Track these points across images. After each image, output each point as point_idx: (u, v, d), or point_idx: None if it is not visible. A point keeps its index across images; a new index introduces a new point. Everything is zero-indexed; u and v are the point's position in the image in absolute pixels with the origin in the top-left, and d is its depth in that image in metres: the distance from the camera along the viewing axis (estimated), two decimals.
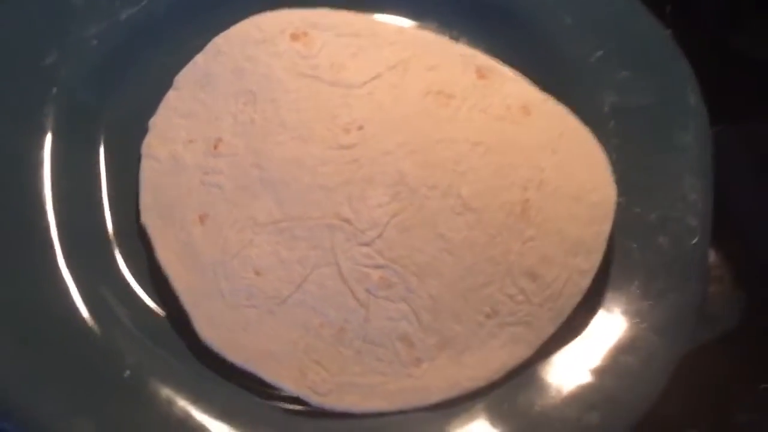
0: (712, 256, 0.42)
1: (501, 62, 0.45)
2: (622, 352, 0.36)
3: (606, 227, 0.37)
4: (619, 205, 0.39)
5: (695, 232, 0.38)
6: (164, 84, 0.42)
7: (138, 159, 0.40)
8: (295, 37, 0.44)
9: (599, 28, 0.45)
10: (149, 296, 0.37)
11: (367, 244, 0.37)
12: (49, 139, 0.39)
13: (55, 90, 0.40)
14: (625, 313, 0.37)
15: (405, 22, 0.47)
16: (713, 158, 0.40)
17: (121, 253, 0.38)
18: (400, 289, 0.36)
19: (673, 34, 0.49)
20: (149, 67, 0.43)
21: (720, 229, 0.40)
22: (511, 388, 0.35)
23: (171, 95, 0.42)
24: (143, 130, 0.41)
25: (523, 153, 0.40)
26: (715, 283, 0.42)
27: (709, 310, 0.41)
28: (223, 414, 0.34)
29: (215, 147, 0.40)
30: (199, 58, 0.43)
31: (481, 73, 0.44)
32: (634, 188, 0.40)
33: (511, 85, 0.43)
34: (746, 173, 0.45)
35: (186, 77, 0.42)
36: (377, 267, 0.36)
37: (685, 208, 0.39)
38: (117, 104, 0.42)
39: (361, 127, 0.40)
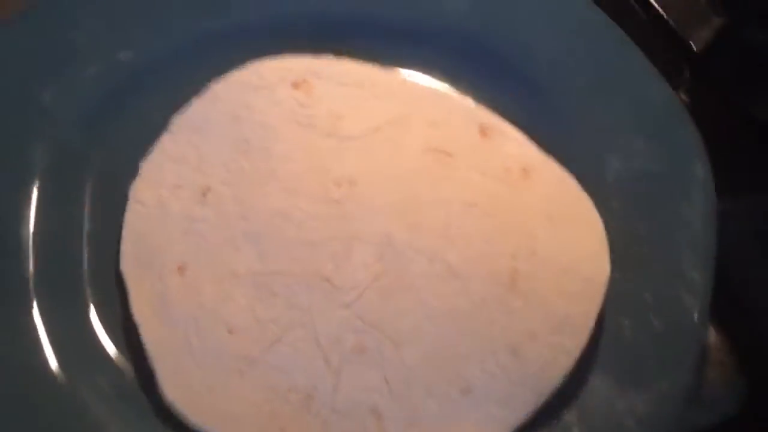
0: (713, 338, 0.40)
1: (506, 120, 0.44)
2: None
3: (595, 306, 0.36)
4: (613, 279, 0.37)
5: (692, 314, 0.36)
6: (160, 127, 0.42)
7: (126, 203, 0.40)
8: (295, 85, 0.43)
9: (610, 90, 0.44)
10: (120, 348, 0.36)
11: (346, 306, 0.36)
12: (36, 178, 0.39)
13: (47, 129, 0.40)
14: (610, 399, 0.35)
15: (410, 74, 0.46)
16: (718, 233, 0.38)
17: (97, 301, 0.37)
18: (375, 356, 0.35)
19: (690, 99, 0.48)
20: (146, 109, 0.42)
21: (722, 309, 0.38)
22: None
23: (164, 138, 0.41)
24: (135, 173, 0.40)
25: (517, 218, 0.39)
26: (716, 367, 0.40)
27: (709, 395, 0.39)
28: None
29: (203, 195, 0.39)
30: (196, 103, 0.42)
31: (483, 131, 0.42)
32: (630, 262, 0.38)
33: (513, 146, 0.42)
34: (753, 250, 0.43)
35: (182, 121, 0.42)
36: (354, 331, 0.35)
37: (683, 287, 0.37)
38: (110, 145, 0.41)
39: (352, 183, 0.39)
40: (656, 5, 0.51)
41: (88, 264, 0.38)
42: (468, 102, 0.44)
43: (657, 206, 0.40)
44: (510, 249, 0.37)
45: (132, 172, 0.40)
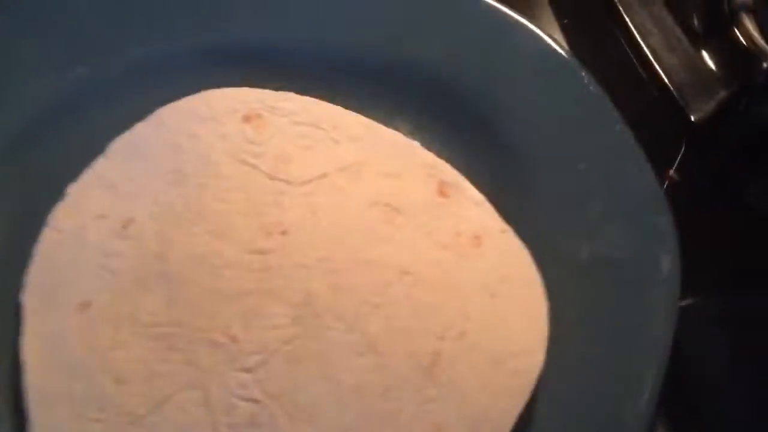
0: None
1: (470, 180, 0.40)
2: None
3: (518, 405, 0.32)
4: (548, 375, 0.33)
5: (633, 425, 0.32)
6: (99, 150, 0.40)
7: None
8: (246, 118, 0.40)
9: (588, 164, 0.40)
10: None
11: (247, 371, 0.33)
12: None
13: None
14: None
15: (375, 119, 0.43)
16: (674, 336, 0.34)
17: None
18: (268, 431, 0.32)
19: (681, 176, 0.44)
20: (87, 129, 0.40)
21: (680, 423, 0.34)
22: None
23: (98, 162, 0.39)
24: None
25: (454, 293, 0.35)
26: None
27: None
28: None
29: (124, 227, 0.37)
30: (138, 127, 0.40)
31: (442, 190, 0.39)
32: (572, 355, 0.34)
33: (471, 209, 0.39)
34: (720, 359, 0.38)
35: (120, 145, 0.39)
36: (249, 400, 0.32)
37: (628, 392, 0.33)
38: (40, 164, 0.39)
39: (284, 232, 0.37)
40: (658, 69, 0.47)
41: None
42: (431, 157, 0.41)
43: (614, 297, 0.36)
44: (438, 327, 0.34)
45: (58, 195, 0.38)
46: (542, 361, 0.33)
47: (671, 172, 0.44)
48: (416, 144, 0.41)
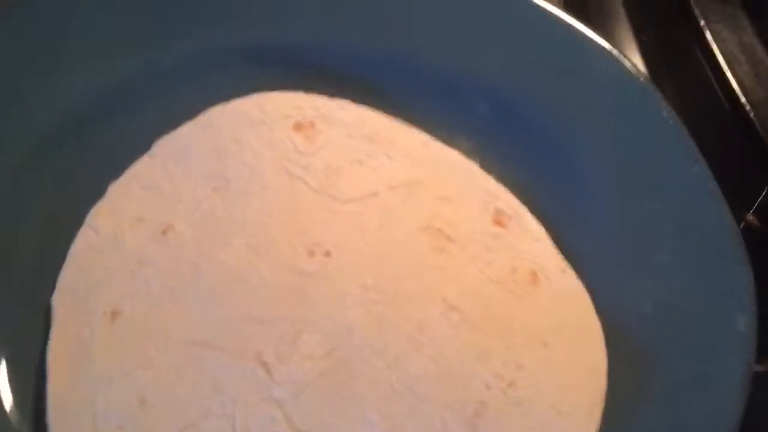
0: None
1: (530, 209, 0.38)
2: None
3: None
4: None
5: None
6: (145, 147, 0.38)
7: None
8: (298, 126, 0.38)
9: (661, 201, 0.37)
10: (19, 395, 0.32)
11: (277, 403, 0.31)
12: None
13: (24, 124, 0.37)
14: None
15: (435, 134, 0.40)
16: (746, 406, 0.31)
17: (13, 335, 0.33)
18: None
19: (763, 223, 0.40)
20: (135, 125, 0.38)
21: None
22: None
23: (142, 161, 0.37)
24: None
25: (505, 337, 0.33)
26: None
27: None
28: None
29: (163, 233, 0.35)
30: (186, 127, 0.38)
31: (498, 219, 0.37)
32: (629, 422, 0.31)
33: (529, 243, 0.36)
34: None
35: (166, 144, 0.38)
36: None
37: None
38: (83, 158, 0.37)
39: (328, 253, 0.34)
40: (744, 101, 0.43)
41: (21, 289, 0.34)
42: (490, 182, 0.38)
43: (679, 356, 0.33)
44: (485, 375, 0.31)
45: (99, 193, 0.36)
46: (596, 427, 0.30)
47: (750, 215, 0.41)
48: (476, 166, 0.39)
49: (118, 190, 0.36)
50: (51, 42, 0.38)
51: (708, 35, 0.45)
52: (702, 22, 0.46)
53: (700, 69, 0.45)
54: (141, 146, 0.38)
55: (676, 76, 0.45)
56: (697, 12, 0.45)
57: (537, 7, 0.41)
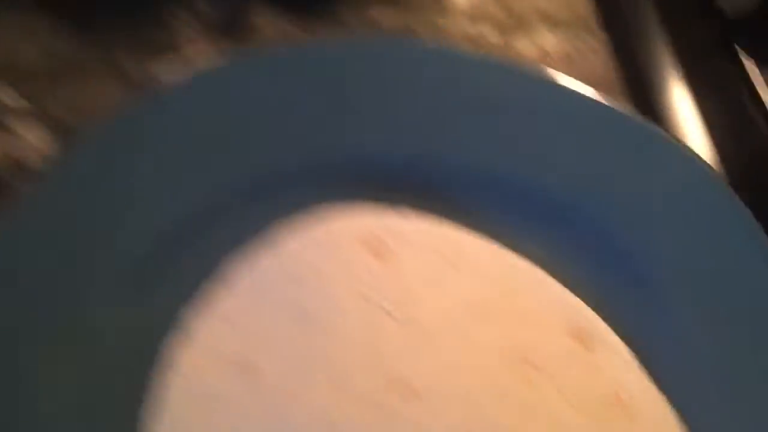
0: None
1: (609, 325, 0.37)
2: None
3: None
4: None
5: None
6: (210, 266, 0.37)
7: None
8: (369, 247, 0.38)
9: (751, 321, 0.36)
10: None
11: None
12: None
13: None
14: None
15: (503, 241, 0.39)
16: None
17: None
18: None
19: None
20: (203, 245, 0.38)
21: None
22: None
23: (220, 297, 0.36)
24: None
25: None
26: None
27: None
28: None
29: (244, 372, 0.34)
30: (260, 254, 0.37)
31: (581, 339, 0.36)
32: None
33: (618, 367, 0.35)
34: None
35: (241, 274, 0.37)
36: None
37: None
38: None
39: (411, 389, 0.34)
40: None
41: None
42: (567, 295, 0.38)
43: None
44: None
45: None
46: None
47: None
48: (549, 278, 0.38)
49: (198, 327, 0.36)
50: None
51: None
52: None
53: None
54: (207, 266, 0.37)
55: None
56: None
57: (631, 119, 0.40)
